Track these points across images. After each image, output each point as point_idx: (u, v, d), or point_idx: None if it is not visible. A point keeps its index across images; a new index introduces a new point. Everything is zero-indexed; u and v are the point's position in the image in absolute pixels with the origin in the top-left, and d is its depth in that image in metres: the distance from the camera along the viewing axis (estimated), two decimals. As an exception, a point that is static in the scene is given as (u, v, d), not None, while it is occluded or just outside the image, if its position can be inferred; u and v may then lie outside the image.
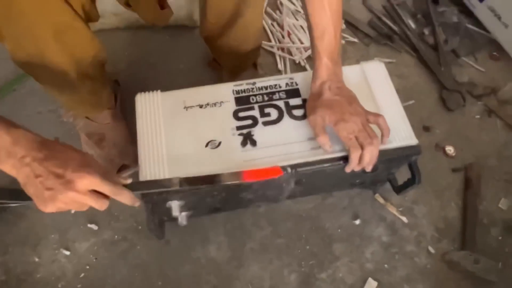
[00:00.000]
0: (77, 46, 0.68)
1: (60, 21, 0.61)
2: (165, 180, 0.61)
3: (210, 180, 0.62)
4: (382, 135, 0.68)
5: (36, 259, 0.81)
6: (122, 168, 0.88)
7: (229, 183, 0.61)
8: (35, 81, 0.74)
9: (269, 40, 1.13)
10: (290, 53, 1.11)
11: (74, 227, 0.85)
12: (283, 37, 1.14)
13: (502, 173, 0.97)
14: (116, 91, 0.92)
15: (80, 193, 0.48)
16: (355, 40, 1.16)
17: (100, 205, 0.51)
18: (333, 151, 0.68)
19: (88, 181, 0.48)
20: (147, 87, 0.75)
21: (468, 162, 0.97)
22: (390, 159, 0.72)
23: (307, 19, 0.67)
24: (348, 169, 0.68)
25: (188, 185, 0.60)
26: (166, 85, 0.76)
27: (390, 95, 0.77)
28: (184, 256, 0.83)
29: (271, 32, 1.15)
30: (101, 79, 0.81)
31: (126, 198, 0.53)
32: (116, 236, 0.84)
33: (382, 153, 0.68)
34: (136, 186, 0.57)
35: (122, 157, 0.87)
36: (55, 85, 0.75)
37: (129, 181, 0.56)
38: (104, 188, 0.50)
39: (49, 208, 0.49)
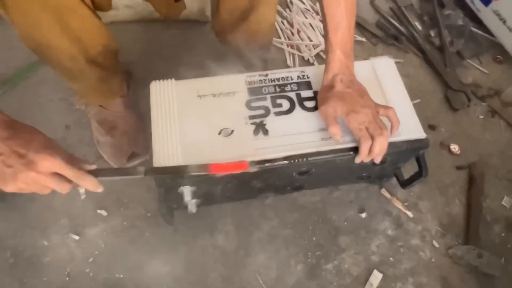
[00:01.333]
0: (83, 33, 0.68)
1: (63, 5, 0.61)
2: (130, 169, 0.63)
3: (177, 171, 0.63)
4: (392, 127, 0.69)
5: (45, 243, 0.82)
6: (132, 156, 0.89)
7: (195, 173, 0.63)
8: (47, 67, 0.75)
9: (279, 37, 1.15)
10: (299, 50, 1.13)
11: (83, 213, 0.85)
12: (292, 34, 1.16)
13: (505, 172, 0.98)
14: (128, 81, 0.93)
15: (41, 174, 0.49)
16: (363, 39, 1.18)
17: (62, 188, 0.52)
18: (343, 142, 0.70)
19: (49, 163, 0.49)
20: (158, 79, 0.76)
21: (472, 161, 0.98)
22: (398, 151, 0.74)
23: (322, 12, 0.69)
24: (358, 160, 0.70)
25: (154, 174, 0.61)
26: (177, 77, 0.77)
27: (399, 90, 0.79)
28: (191, 244, 0.84)
29: (281, 29, 1.17)
30: (112, 67, 0.82)
31: (88, 183, 0.54)
32: (125, 223, 0.85)
33: (391, 145, 0.69)
34: (100, 172, 0.58)
35: (132, 146, 0.89)
36: (65, 71, 0.76)
37: (93, 167, 0.57)
38: (66, 171, 0.51)
39: (10, 187, 0.49)
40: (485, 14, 1.20)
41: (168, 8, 0.84)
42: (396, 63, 1.12)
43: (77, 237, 0.83)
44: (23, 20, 0.62)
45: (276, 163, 0.69)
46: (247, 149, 0.69)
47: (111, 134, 0.88)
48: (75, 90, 0.88)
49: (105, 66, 0.78)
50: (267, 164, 0.67)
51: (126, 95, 0.91)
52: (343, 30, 0.68)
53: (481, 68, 1.16)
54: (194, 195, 0.74)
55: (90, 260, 0.81)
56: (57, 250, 0.82)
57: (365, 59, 0.83)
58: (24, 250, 0.81)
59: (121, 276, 0.80)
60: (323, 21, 0.69)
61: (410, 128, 0.74)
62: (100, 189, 0.57)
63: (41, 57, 0.72)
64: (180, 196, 0.72)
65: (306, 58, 1.12)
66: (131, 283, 0.79)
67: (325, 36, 0.70)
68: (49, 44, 0.66)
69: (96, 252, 0.82)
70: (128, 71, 0.98)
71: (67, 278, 0.79)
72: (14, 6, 0.59)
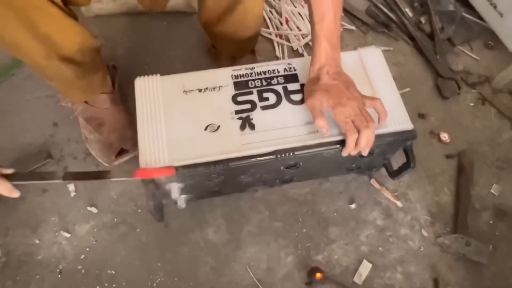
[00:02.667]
0: (53, 32, 0.65)
1: (29, 4, 0.59)
2: (48, 173, 0.62)
3: (99, 175, 0.63)
4: (379, 118, 0.69)
5: (37, 241, 0.82)
6: (121, 153, 0.89)
7: (117, 179, 0.63)
8: None
9: (267, 27, 1.14)
10: (288, 40, 1.12)
11: (74, 210, 0.86)
12: (281, 24, 1.14)
13: (494, 160, 0.99)
14: (113, 75, 0.92)
15: None
16: (353, 28, 1.16)
17: None
18: (330, 135, 0.70)
19: None
20: (145, 72, 0.75)
21: (461, 149, 0.99)
22: (386, 143, 0.74)
23: (308, 3, 0.68)
24: (344, 153, 0.70)
25: (73, 179, 0.61)
26: (165, 71, 0.76)
27: (387, 81, 0.78)
28: (182, 239, 0.84)
29: (269, 19, 1.15)
30: (92, 64, 0.78)
31: (3, 188, 0.54)
32: (115, 219, 0.85)
33: (378, 137, 0.69)
34: (16, 176, 0.57)
35: (121, 142, 0.88)
36: (40, 69, 0.73)
37: (9, 171, 0.56)
38: None
39: None
40: (476, -1, 1.18)
41: (152, 1, 0.82)
42: (386, 51, 1.13)
43: (68, 235, 0.83)
44: None
45: (262, 157, 0.69)
46: (233, 145, 0.69)
47: (99, 131, 0.88)
48: (55, 88, 0.86)
49: (83, 63, 0.75)
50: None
51: (111, 91, 0.89)
52: (329, 20, 0.67)
53: (472, 55, 1.15)
54: (182, 191, 0.74)
55: (82, 257, 0.82)
56: (49, 248, 0.82)
57: (355, 47, 0.82)
58: (15, 248, 0.82)
59: (113, 272, 0.80)
60: (309, 11, 0.68)
61: (397, 119, 0.74)
62: (15, 194, 0.56)
63: (16, 56, 0.70)
64: (168, 193, 0.72)
65: (295, 48, 1.10)
66: (123, 278, 0.80)
67: (311, 27, 0.69)
68: (18, 44, 0.64)
69: (88, 249, 0.82)
70: (113, 66, 0.97)
71: (59, 276, 0.80)
72: None
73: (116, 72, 0.94)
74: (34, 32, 0.62)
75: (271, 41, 1.12)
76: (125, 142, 0.88)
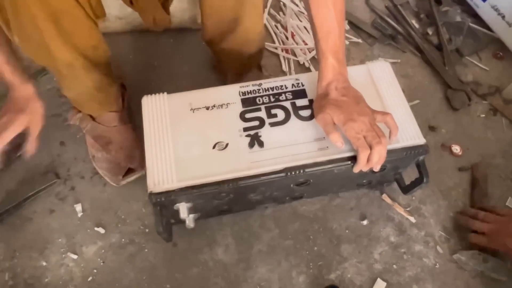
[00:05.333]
0: (75, 34, 0.67)
1: (58, 8, 0.61)
2: None
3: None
4: (390, 133, 0.68)
5: (44, 264, 0.81)
6: (128, 172, 0.88)
7: None
8: (39, 83, 0.76)
9: (273, 42, 1.14)
10: (294, 55, 1.11)
11: (81, 231, 0.84)
12: (287, 38, 1.14)
13: (509, 172, 0.96)
14: (123, 94, 0.92)
15: None
16: (359, 40, 1.16)
17: None
18: (341, 151, 0.68)
19: None
20: (152, 90, 0.75)
21: (474, 161, 0.96)
22: (397, 158, 0.72)
23: (311, 20, 0.67)
24: (356, 169, 0.68)
25: None
26: (171, 88, 0.76)
27: (397, 95, 0.77)
28: (191, 259, 0.82)
29: (275, 33, 1.15)
30: (108, 75, 0.82)
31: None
32: (123, 240, 0.84)
33: (390, 153, 0.68)
34: None
35: (129, 161, 0.87)
36: (63, 77, 0.76)
37: None
38: None
39: None
40: (484, 9, 1.17)
41: (155, 20, 0.83)
42: (394, 63, 1.12)
43: (75, 256, 0.82)
44: (22, 25, 0.62)
45: (272, 176, 0.68)
46: (242, 163, 0.68)
47: (107, 149, 0.87)
48: (73, 99, 0.87)
49: (101, 72, 0.78)
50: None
51: (120, 109, 0.89)
52: (334, 36, 0.66)
53: (481, 65, 1.14)
54: (191, 210, 0.73)
55: (89, 279, 0.80)
56: (56, 270, 0.81)
57: (362, 60, 0.81)
58: (22, 271, 0.80)
59: (121, 294, 0.79)
60: (313, 29, 0.68)
61: (409, 133, 0.73)
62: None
63: (40, 63, 0.75)
64: (177, 212, 0.71)
65: (301, 62, 1.10)
66: (131, 301, 0.78)
67: (316, 43, 0.68)
68: (47, 49, 0.66)
69: (95, 270, 0.81)
70: (122, 84, 0.97)
71: (67, 298, 0.78)
72: (13, 13, 0.60)
73: (125, 91, 0.94)
74: (62, 34, 0.64)
75: (277, 55, 1.11)
76: (133, 161, 0.87)
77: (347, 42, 1.14)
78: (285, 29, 1.16)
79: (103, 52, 0.77)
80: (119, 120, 0.88)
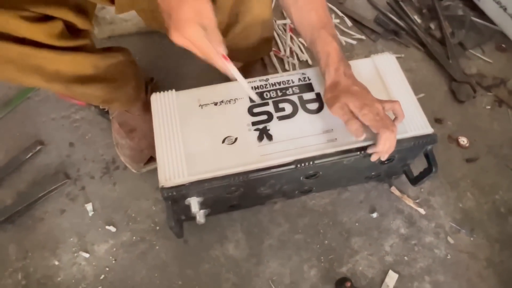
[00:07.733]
0: (62, 67, 0.66)
1: (20, 57, 0.60)
2: None
3: None
4: (396, 119, 0.67)
5: (56, 263, 0.82)
6: (150, 160, 0.89)
7: None
8: None
9: (276, 44, 1.14)
10: (296, 56, 1.12)
11: (92, 230, 0.85)
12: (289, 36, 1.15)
13: (517, 162, 0.96)
14: (148, 84, 0.94)
15: None
16: (362, 37, 1.16)
17: None
18: (348, 143, 0.68)
19: None
20: (159, 90, 0.76)
21: (481, 152, 0.96)
22: (406, 148, 0.72)
23: (298, 22, 0.70)
24: (375, 150, 0.66)
25: None
26: (178, 87, 0.77)
27: (403, 86, 0.78)
28: (202, 255, 0.83)
29: (277, 34, 1.16)
30: (118, 79, 0.80)
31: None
32: (134, 237, 0.84)
33: (399, 142, 0.68)
34: None
35: (151, 150, 0.88)
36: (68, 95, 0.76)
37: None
38: None
39: None
40: (485, 2, 1.18)
41: (159, 24, 0.83)
42: (398, 58, 1.11)
43: (87, 255, 0.82)
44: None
45: (282, 168, 0.68)
46: (252, 156, 0.69)
47: (130, 136, 0.89)
48: (98, 98, 0.84)
49: (107, 82, 0.77)
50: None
51: (144, 98, 0.91)
52: (330, 22, 0.69)
53: (484, 58, 1.14)
54: (202, 206, 0.73)
55: (102, 277, 0.80)
56: (68, 269, 0.81)
57: (366, 56, 0.81)
58: (35, 271, 0.81)
59: (134, 291, 0.79)
60: (304, 22, 0.70)
61: (417, 124, 0.73)
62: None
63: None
64: (188, 208, 0.71)
65: (304, 59, 1.10)
66: (144, 298, 0.78)
67: (312, 34, 0.69)
68: (33, 84, 0.67)
69: (107, 268, 0.81)
70: (151, 78, 0.99)
71: (80, 297, 0.78)
72: None
73: (150, 81, 0.96)
74: (41, 73, 0.64)
75: (281, 60, 1.12)
76: (155, 150, 0.88)
77: (351, 40, 1.15)
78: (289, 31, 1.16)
79: (106, 64, 0.74)
80: (143, 108, 0.90)
